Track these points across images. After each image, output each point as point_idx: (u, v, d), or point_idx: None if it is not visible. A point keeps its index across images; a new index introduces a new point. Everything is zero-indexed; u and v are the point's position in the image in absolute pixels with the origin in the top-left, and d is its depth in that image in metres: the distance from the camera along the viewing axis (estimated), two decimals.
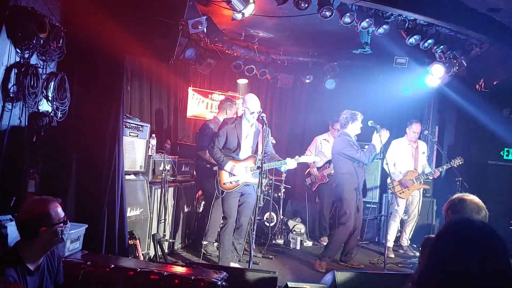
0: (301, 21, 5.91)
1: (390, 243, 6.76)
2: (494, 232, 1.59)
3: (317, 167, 7.65)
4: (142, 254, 5.02)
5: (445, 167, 6.58)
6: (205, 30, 5.80)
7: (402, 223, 6.98)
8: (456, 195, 2.84)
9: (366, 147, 6.00)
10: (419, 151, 6.80)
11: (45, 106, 4.22)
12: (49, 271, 2.79)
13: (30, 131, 4.03)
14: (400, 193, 6.58)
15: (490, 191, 6.83)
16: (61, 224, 2.66)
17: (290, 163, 5.31)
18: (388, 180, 6.52)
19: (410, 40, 5.75)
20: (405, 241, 6.96)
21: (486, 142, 7.29)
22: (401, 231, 7.00)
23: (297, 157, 5.39)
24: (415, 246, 7.03)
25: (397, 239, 7.08)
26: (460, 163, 6.42)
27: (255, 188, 5.25)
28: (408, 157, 6.75)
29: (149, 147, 5.56)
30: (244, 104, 5.37)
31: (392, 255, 6.66)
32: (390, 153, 6.78)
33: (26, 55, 3.98)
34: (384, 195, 7.84)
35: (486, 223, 1.66)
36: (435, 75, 6.72)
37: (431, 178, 6.84)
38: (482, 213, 2.64)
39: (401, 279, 4.01)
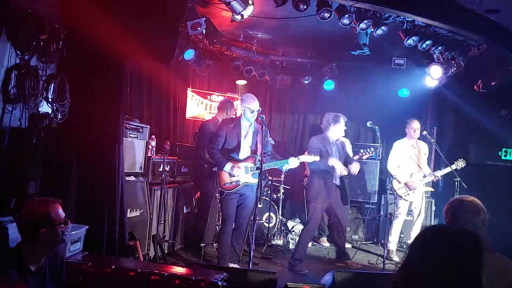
0: (300, 23, 5.93)
1: (393, 246, 6.69)
2: (470, 242, 1.59)
3: None
4: (142, 255, 5.04)
5: (448, 169, 6.36)
6: (204, 32, 5.81)
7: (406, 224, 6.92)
8: (456, 197, 2.84)
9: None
10: (421, 152, 6.75)
11: (45, 108, 4.24)
12: (51, 272, 2.79)
13: (30, 132, 4.04)
14: (405, 196, 6.53)
15: (488, 192, 6.80)
16: (62, 225, 2.66)
17: (292, 162, 5.33)
18: (393, 183, 6.52)
19: (408, 41, 5.77)
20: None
21: (484, 142, 7.30)
22: (402, 231, 6.98)
23: (298, 156, 5.42)
24: None
25: (400, 240, 7.08)
26: (463, 165, 6.27)
27: (254, 189, 5.27)
28: (411, 159, 6.66)
29: (148, 148, 5.58)
30: (243, 103, 5.38)
31: (397, 258, 6.53)
32: (392, 155, 6.74)
33: (26, 57, 4.01)
34: (382, 195, 7.86)
35: (464, 232, 1.65)
36: (433, 76, 6.74)
37: (432, 180, 6.77)
38: (481, 215, 2.62)
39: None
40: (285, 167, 5.48)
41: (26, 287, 2.25)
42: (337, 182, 5.99)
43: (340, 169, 5.81)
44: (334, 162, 5.83)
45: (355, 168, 5.90)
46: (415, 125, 6.64)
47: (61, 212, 2.70)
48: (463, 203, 2.68)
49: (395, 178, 6.54)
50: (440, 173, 6.49)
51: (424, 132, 6.68)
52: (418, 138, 6.77)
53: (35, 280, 2.65)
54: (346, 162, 6.05)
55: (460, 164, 6.28)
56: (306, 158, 5.55)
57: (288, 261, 5.90)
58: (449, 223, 2.70)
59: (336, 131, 6.04)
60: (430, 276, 1.53)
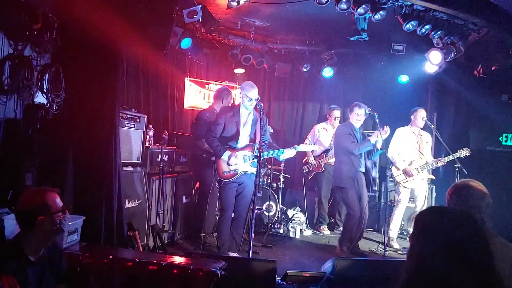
0: (297, 9, 5.86)
1: (394, 233, 6.65)
2: (470, 222, 1.56)
3: (314, 156, 7.66)
4: (142, 246, 5.02)
5: (451, 157, 6.32)
6: (200, 20, 5.74)
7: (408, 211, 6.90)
8: (461, 181, 2.81)
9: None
10: (423, 141, 6.71)
11: (40, 99, 4.20)
12: (50, 263, 2.79)
13: (25, 124, 4.01)
14: (404, 182, 6.51)
15: (488, 177, 6.77)
16: (60, 214, 2.65)
17: (288, 152, 5.28)
18: (392, 169, 6.51)
19: (407, 26, 5.68)
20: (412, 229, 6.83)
21: (485, 128, 7.25)
22: (403, 218, 6.97)
23: (295, 146, 5.37)
24: None
25: (401, 228, 7.06)
26: (467, 154, 6.26)
27: (252, 177, 5.23)
28: (413, 146, 6.63)
29: (146, 138, 5.54)
30: (242, 91, 5.33)
31: (397, 246, 6.53)
32: (393, 141, 6.72)
33: (20, 47, 3.96)
34: (383, 182, 7.83)
35: (464, 212, 1.62)
36: (433, 62, 6.65)
37: (433, 167, 6.72)
38: (486, 200, 2.62)
39: (400, 266, 4.01)
40: (282, 157, 5.43)
41: (14, 279, 2.23)
42: (362, 169, 6.12)
43: (379, 139, 5.91)
44: (374, 138, 5.94)
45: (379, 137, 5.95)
46: (423, 113, 6.62)
47: (58, 201, 2.69)
48: (470, 187, 2.66)
49: (394, 165, 6.52)
50: (445, 159, 6.43)
51: (424, 119, 6.63)
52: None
53: (35, 270, 2.65)
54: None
55: (464, 152, 6.25)
56: (305, 147, 5.52)
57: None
58: (452, 206, 2.67)
59: (354, 120, 6.14)
60: (438, 260, 1.49)
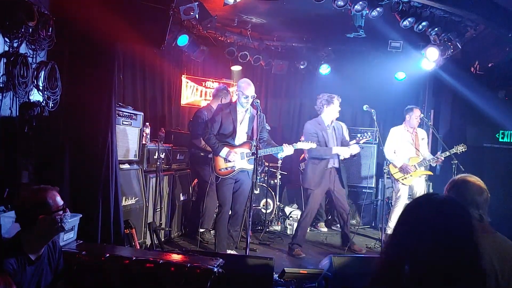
0: (294, 6, 5.86)
1: (392, 231, 6.66)
2: (458, 208, 1.56)
3: None
4: (139, 243, 5.02)
5: (448, 153, 6.32)
6: (197, 17, 5.73)
7: None
8: (459, 176, 2.78)
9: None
10: (418, 138, 6.71)
11: (36, 96, 4.17)
12: (49, 262, 2.80)
13: (21, 121, 3.98)
14: (402, 179, 6.51)
15: (485, 174, 6.81)
16: (60, 212, 2.65)
17: (287, 150, 5.28)
18: (386, 167, 6.51)
19: (404, 22, 5.69)
20: None
21: (482, 124, 7.26)
22: None
23: (294, 144, 5.37)
24: None
25: None
26: (463, 150, 6.26)
27: (249, 174, 5.22)
28: (408, 144, 6.62)
29: (143, 135, 5.53)
30: (238, 88, 5.33)
31: None
32: (388, 141, 6.71)
33: (15, 44, 3.93)
34: (380, 179, 7.83)
35: (452, 199, 1.62)
36: (430, 58, 6.66)
37: (433, 165, 6.71)
38: (484, 195, 2.61)
39: None
40: (280, 154, 5.43)
41: (9, 279, 2.22)
42: (336, 165, 5.94)
43: (345, 153, 5.82)
44: (338, 150, 5.81)
45: (355, 149, 5.88)
46: (418, 113, 6.59)
47: (59, 199, 2.70)
48: (467, 182, 2.65)
49: (391, 163, 6.52)
50: (442, 155, 6.43)
51: (421, 115, 6.64)
52: None
53: (34, 269, 2.65)
54: (343, 145, 5.99)
55: (460, 148, 6.26)
56: (303, 145, 5.48)
57: (287, 245, 5.95)
58: None
59: (330, 113, 5.94)
60: (419, 244, 1.50)
